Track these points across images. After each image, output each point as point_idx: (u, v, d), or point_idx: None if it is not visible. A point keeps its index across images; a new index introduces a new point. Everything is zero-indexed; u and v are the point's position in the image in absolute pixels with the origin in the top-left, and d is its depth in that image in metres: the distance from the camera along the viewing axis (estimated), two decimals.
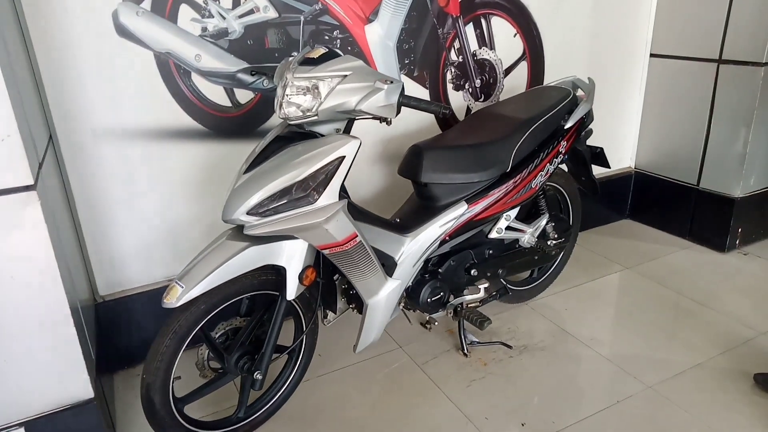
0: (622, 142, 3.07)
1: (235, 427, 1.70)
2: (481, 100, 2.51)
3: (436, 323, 2.10)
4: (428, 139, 1.91)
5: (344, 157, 1.46)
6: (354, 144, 1.47)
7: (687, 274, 2.61)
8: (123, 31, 1.75)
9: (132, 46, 1.77)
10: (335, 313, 1.87)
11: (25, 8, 1.61)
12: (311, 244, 1.52)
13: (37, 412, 1.42)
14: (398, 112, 1.48)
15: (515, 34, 2.49)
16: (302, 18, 2.01)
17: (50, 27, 1.65)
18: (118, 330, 1.99)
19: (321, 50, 1.49)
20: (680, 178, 2.91)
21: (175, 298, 1.39)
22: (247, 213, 1.44)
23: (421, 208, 1.87)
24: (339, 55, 1.49)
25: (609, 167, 2.30)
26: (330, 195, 1.47)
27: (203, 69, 1.90)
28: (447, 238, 1.86)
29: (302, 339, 1.78)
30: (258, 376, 1.60)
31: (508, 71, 2.53)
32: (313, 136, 1.52)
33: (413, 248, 1.79)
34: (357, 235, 1.55)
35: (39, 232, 1.28)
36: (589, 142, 2.26)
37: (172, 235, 2.01)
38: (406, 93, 1.48)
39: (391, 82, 1.44)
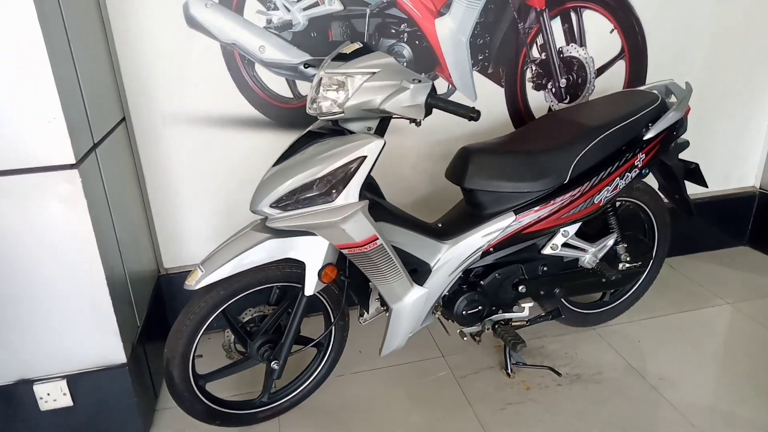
0: (745, 157, 2.65)
1: (257, 410, 1.75)
2: (566, 101, 2.30)
3: (478, 338, 1.98)
4: (482, 142, 1.79)
5: (366, 157, 1.41)
6: (377, 144, 1.42)
7: None
8: (192, 22, 1.85)
9: (200, 36, 1.87)
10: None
11: (108, 2, 1.76)
12: (330, 242, 1.51)
13: (76, 368, 1.57)
14: (428, 113, 1.40)
15: (612, 30, 2.23)
16: (368, 10, 1.98)
17: (128, 19, 1.79)
18: (176, 301, 2.13)
19: (354, 46, 1.45)
20: None
21: (194, 281, 1.46)
22: (270, 206, 1.46)
23: (465, 215, 1.76)
24: (373, 51, 1.44)
25: (706, 186, 2.00)
26: (349, 194, 1.43)
27: (266, 60, 1.95)
28: (491, 249, 1.74)
29: (329, 334, 1.78)
30: (275, 365, 1.63)
31: (601, 71, 2.29)
32: (344, 132, 1.49)
33: (451, 256, 1.70)
34: (377, 238, 1.50)
35: (79, 207, 1.40)
36: (686, 156, 1.98)
37: (230, 217, 2.11)
38: (439, 93, 1.40)
39: (419, 82, 1.36)
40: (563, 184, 1.70)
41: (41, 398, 1.57)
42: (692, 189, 1.97)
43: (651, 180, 2.05)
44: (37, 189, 1.36)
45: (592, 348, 2.08)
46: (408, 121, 1.44)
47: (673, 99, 1.87)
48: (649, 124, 1.79)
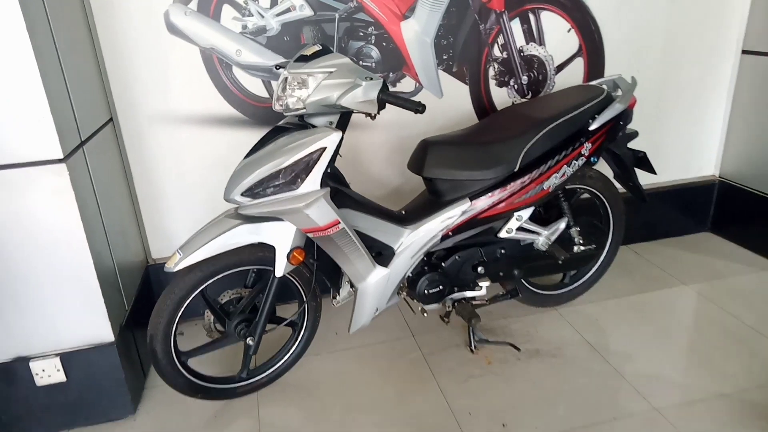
0: (703, 147, 2.79)
1: (236, 385, 1.90)
2: (529, 97, 2.45)
3: (447, 319, 2.12)
4: (440, 135, 1.94)
5: (325, 148, 1.56)
6: (335, 137, 1.57)
7: (754, 298, 2.34)
8: (173, 29, 2.00)
9: (181, 42, 2.02)
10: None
11: (95, 11, 1.92)
12: (297, 227, 1.65)
13: (68, 346, 1.72)
14: (381, 107, 1.55)
15: (569, 29, 2.38)
16: (337, 15, 2.13)
17: (114, 27, 1.94)
18: (163, 288, 2.27)
19: (315, 48, 1.60)
20: None
21: (173, 264, 1.60)
22: (241, 194, 1.61)
23: (426, 202, 1.91)
24: (331, 52, 1.59)
25: (655, 173, 2.14)
26: (311, 183, 1.58)
27: (243, 63, 2.10)
28: (450, 233, 1.88)
29: (302, 314, 1.93)
30: (250, 341, 1.78)
31: (560, 68, 2.43)
32: (308, 127, 1.64)
33: (413, 240, 1.84)
34: (339, 222, 1.64)
35: (67, 198, 1.55)
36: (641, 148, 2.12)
37: (215, 209, 2.24)
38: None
39: (371, 79, 1.51)
40: (514, 172, 1.84)
41: (37, 374, 1.72)
42: (655, 179, 2.09)
43: (607, 169, 2.20)
44: (29, 182, 1.52)
45: (553, 326, 2.22)
46: (364, 115, 1.59)
47: (619, 92, 2.01)
48: (596, 116, 1.93)
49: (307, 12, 2.10)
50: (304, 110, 1.57)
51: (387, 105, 1.57)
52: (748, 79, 2.61)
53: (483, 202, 1.85)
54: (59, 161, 1.52)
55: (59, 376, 1.74)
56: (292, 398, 1.93)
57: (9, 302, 1.63)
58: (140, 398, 1.94)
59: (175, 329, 1.71)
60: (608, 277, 2.43)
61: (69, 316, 1.69)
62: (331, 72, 1.54)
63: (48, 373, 1.73)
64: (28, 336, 1.69)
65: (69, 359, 1.73)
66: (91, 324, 1.71)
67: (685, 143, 2.75)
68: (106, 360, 1.76)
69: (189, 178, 2.20)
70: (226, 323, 1.80)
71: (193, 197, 2.23)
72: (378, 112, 1.58)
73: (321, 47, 1.60)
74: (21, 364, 1.70)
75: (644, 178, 2.18)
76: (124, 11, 1.94)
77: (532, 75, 2.41)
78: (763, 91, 2.55)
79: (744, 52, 2.60)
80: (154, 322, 1.67)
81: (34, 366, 1.71)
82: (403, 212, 1.91)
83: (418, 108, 1.49)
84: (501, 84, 2.40)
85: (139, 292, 2.09)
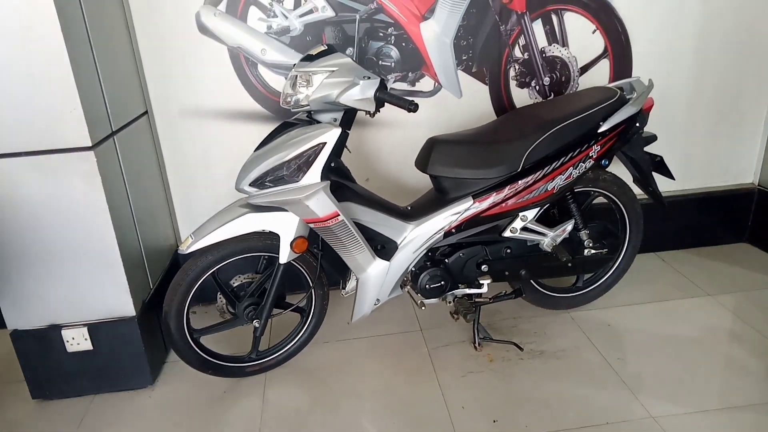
0: (742, 153, 2.68)
1: (245, 364, 2.02)
2: (550, 98, 2.44)
3: (457, 316, 2.15)
4: (448, 134, 1.98)
5: (325, 143, 1.65)
6: (335, 133, 1.65)
7: None
8: (203, 29, 2.15)
9: (210, 41, 2.16)
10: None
11: (134, 12, 2.09)
12: (299, 217, 1.75)
13: (95, 317, 1.90)
14: (379, 105, 1.62)
15: (594, 30, 2.36)
16: (358, 16, 2.21)
17: (150, 27, 2.11)
18: None
19: (320, 48, 1.69)
20: None
21: (186, 247, 1.74)
22: (249, 185, 1.72)
23: (431, 199, 1.96)
24: (336, 52, 1.68)
25: (673, 178, 2.10)
26: (312, 175, 1.67)
27: (268, 61, 2.22)
28: (453, 230, 1.92)
29: (309, 301, 2.02)
30: (256, 323, 1.90)
31: (585, 69, 2.41)
32: (314, 123, 1.73)
33: (416, 235, 1.90)
34: (339, 214, 1.72)
35: (94, 182, 1.72)
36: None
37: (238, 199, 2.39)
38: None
39: (369, 78, 1.58)
40: (517, 172, 1.86)
41: (67, 341, 1.90)
42: (690, 185, 2.02)
43: (626, 174, 2.17)
44: (61, 167, 1.69)
45: (562, 329, 2.21)
46: (364, 113, 1.66)
47: (634, 95, 1.98)
48: (607, 118, 1.91)
49: (329, 13, 2.19)
50: (309, 107, 1.66)
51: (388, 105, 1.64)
52: None
53: (486, 201, 1.88)
54: (88, 149, 1.69)
55: (87, 345, 1.91)
56: (298, 381, 2.03)
57: (45, 275, 1.82)
58: (159, 371, 2.10)
59: (188, 308, 1.85)
60: (629, 283, 2.39)
61: (95, 290, 1.86)
62: (332, 71, 1.62)
63: (77, 341, 1.91)
64: (61, 306, 1.87)
65: (95, 330, 1.91)
66: (115, 298, 1.88)
67: (722, 149, 2.65)
68: (128, 333, 1.93)
69: (217, 170, 2.35)
70: (236, 306, 1.92)
71: (220, 187, 2.37)
72: (377, 110, 1.65)
73: (327, 47, 1.69)
74: (54, 331, 1.89)
75: (677, 185, 2.10)
76: (159, 12, 2.10)
77: (554, 76, 2.40)
78: None
79: None
80: (168, 298, 1.81)
81: (65, 333, 1.89)
82: (409, 208, 1.97)
83: (411, 107, 1.55)
84: (522, 85, 2.40)
85: (166, 274, 2.25)
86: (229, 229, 1.74)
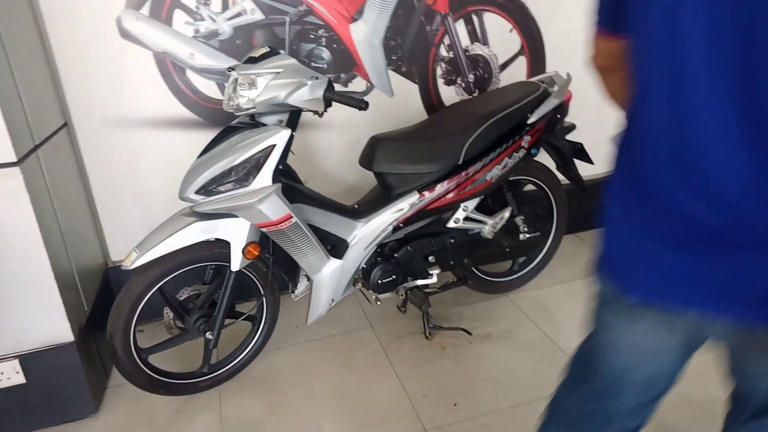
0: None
1: (198, 380, 1.95)
2: (476, 94, 2.56)
3: (404, 309, 2.21)
4: (389, 131, 2.03)
5: (275, 145, 1.64)
6: (284, 134, 1.65)
7: None
8: (126, 34, 2.04)
9: (133, 47, 2.06)
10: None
11: (45, 17, 1.94)
12: (250, 222, 1.72)
13: (27, 347, 1.75)
14: (327, 105, 1.64)
15: (511, 29, 2.51)
16: (287, 19, 2.20)
17: (65, 33, 1.97)
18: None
19: (263, 50, 1.67)
20: None
21: (130, 262, 1.65)
22: (195, 192, 1.67)
23: (378, 196, 2.00)
24: (279, 54, 1.67)
25: (592, 163, 2.28)
26: (263, 179, 1.65)
27: (197, 66, 2.15)
28: (401, 224, 1.97)
29: (260, 308, 1.99)
30: (209, 336, 1.84)
31: (505, 66, 2.56)
32: (259, 126, 1.71)
33: (365, 232, 1.93)
34: (292, 217, 1.72)
35: (22, 200, 1.59)
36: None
37: (172, 211, 2.27)
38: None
39: (317, 79, 1.59)
40: (458, 165, 1.95)
41: None
42: (592, 169, 2.20)
43: (550, 162, 2.33)
44: None
45: (503, 311, 2.34)
46: (312, 113, 1.67)
47: (555, 88, 2.14)
48: (534, 110, 2.05)
49: (258, 16, 2.16)
50: (254, 110, 1.64)
51: (335, 104, 1.65)
52: None
53: (430, 194, 1.95)
54: (13, 164, 1.56)
55: (18, 378, 1.76)
56: (254, 391, 1.99)
57: None
58: (102, 397, 1.97)
59: (134, 326, 1.76)
60: (556, 264, 2.56)
61: (27, 318, 1.71)
62: (278, 72, 1.61)
63: (7, 375, 1.74)
64: None
65: (28, 360, 1.76)
66: (50, 325, 1.74)
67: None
68: (66, 360, 1.79)
69: (146, 181, 2.24)
70: (185, 319, 1.85)
71: (150, 199, 2.27)
72: (325, 110, 1.66)
73: (269, 49, 1.68)
74: None
75: (595, 169, 2.27)
76: (74, 17, 1.96)
77: (478, 73, 2.53)
78: None
79: None
80: (113, 319, 1.71)
81: None
82: (356, 206, 2.00)
83: (361, 105, 1.58)
84: (449, 83, 2.51)
85: (99, 294, 2.11)
86: (176, 240, 1.67)
